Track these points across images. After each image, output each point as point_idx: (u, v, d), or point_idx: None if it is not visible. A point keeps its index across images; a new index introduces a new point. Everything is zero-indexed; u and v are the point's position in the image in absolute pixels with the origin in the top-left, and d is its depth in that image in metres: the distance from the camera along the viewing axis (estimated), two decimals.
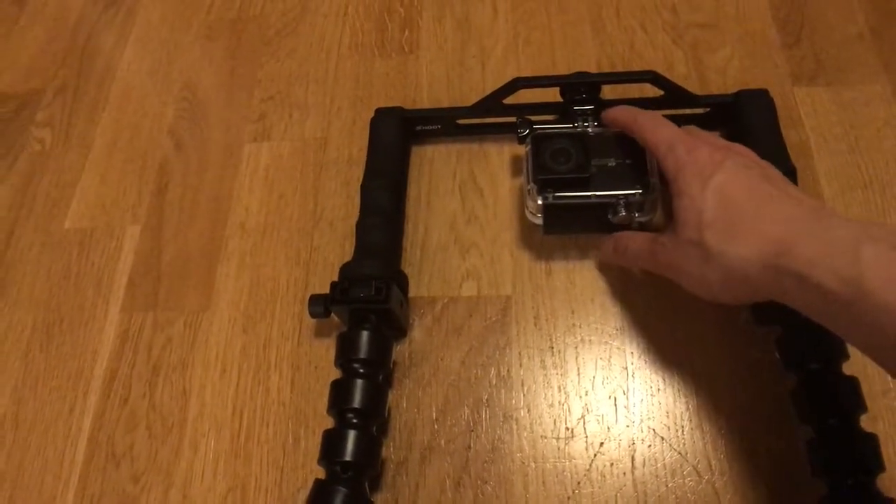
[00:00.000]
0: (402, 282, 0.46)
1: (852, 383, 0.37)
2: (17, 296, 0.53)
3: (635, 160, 0.43)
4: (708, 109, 0.49)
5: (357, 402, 0.40)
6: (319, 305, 0.43)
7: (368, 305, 0.42)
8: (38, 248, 0.55)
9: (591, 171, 0.43)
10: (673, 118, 0.50)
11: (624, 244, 0.43)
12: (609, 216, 0.43)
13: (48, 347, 0.51)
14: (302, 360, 0.47)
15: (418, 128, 0.52)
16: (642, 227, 0.45)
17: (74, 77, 0.64)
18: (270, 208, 0.53)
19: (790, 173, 0.44)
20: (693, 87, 0.52)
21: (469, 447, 0.43)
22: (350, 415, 0.40)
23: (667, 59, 0.55)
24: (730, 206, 0.34)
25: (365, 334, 0.41)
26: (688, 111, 0.50)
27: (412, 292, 0.48)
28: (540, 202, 0.43)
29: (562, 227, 0.46)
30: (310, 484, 0.39)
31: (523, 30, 0.59)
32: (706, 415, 0.42)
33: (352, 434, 0.39)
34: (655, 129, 0.40)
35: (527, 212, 0.45)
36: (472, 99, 0.51)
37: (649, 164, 0.43)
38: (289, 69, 0.60)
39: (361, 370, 0.41)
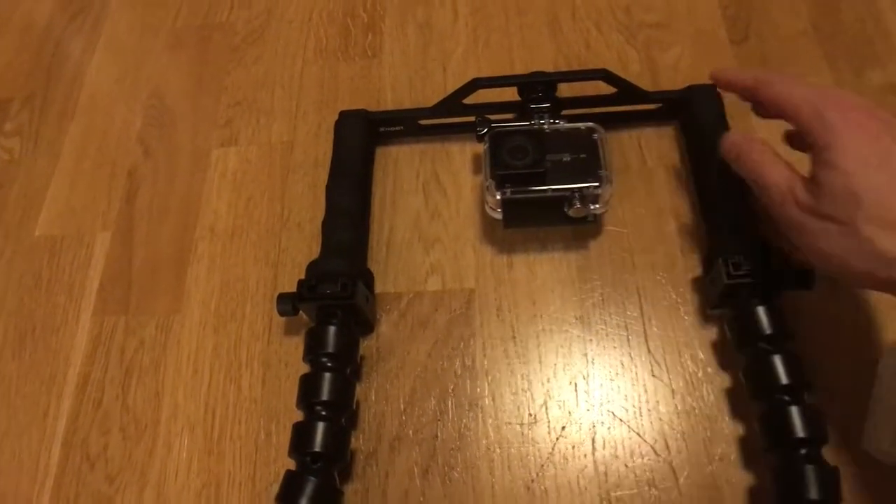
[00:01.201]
0: (368, 278, 0.47)
1: (797, 361, 0.39)
2: None
3: (589, 154, 0.45)
4: (660, 105, 0.52)
5: (325, 394, 0.41)
6: (287, 304, 0.44)
7: (335, 301, 0.43)
8: (8, 255, 0.55)
9: (547, 166, 0.45)
10: (626, 115, 0.52)
11: (759, 171, 0.38)
12: (565, 209, 0.45)
13: (21, 354, 0.51)
14: (272, 358, 0.48)
15: (382, 129, 0.54)
16: (597, 220, 0.46)
17: (43, 87, 0.64)
18: (239, 211, 0.54)
19: None
20: (646, 83, 0.54)
21: (436, 436, 0.44)
22: (319, 407, 0.41)
23: (621, 57, 0.57)
24: (891, 192, 0.32)
25: (332, 329, 0.42)
26: (640, 107, 0.52)
27: (379, 288, 0.49)
28: (498, 197, 0.45)
29: (521, 221, 0.48)
30: (282, 477, 0.40)
31: (483, 32, 0.60)
32: (662, 396, 0.43)
33: (321, 426, 0.40)
34: (791, 89, 0.36)
35: (487, 207, 0.47)
36: (434, 100, 0.53)
37: (602, 158, 0.45)
38: (255, 75, 0.61)
39: (329, 364, 0.42)
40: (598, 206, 0.45)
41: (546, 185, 0.44)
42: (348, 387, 0.43)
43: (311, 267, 0.45)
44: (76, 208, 0.57)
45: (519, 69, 0.57)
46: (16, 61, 0.66)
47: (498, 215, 0.46)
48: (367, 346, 0.47)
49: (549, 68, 0.56)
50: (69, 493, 0.46)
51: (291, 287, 0.47)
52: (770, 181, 0.37)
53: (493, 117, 0.49)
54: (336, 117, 0.53)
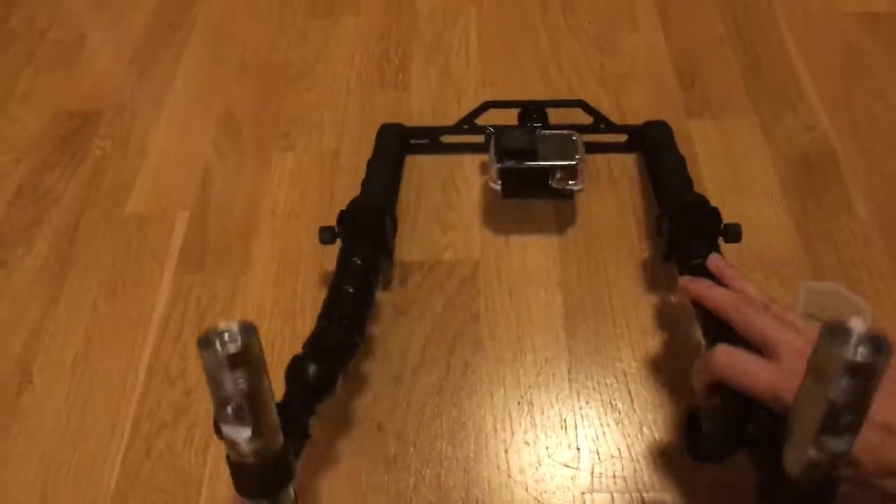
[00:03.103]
0: (393, 218, 0.61)
1: None
2: (86, 263, 0.66)
3: (569, 147, 0.60)
4: (626, 138, 0.67)
5: (353, 281, 0.52)
6: (327, 233, 0.57)
7: (367, 225, 0.56)
8: (103, 227, 0.69)
9: (537, 148, 0.59)
10: (600, 144, 0.67)
11: None
12: (550, 181, 0.59)
13: (113, 301, 0.64)
14: (321, 303, 0.61)
15: (412, 141, 0.69)
16: (574, 197, 0.60)
17: (131, 101, 0.79)
18: (294, 200, 0.68)
19: (681, 160, 0.61)
20: (614, 119, 0.70)
21: (449, 365, 0.57)
22: (346, 286, 0.52)
23: (595, 99, 0.73)
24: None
25: (363, 242, 0.55)
26: (610, 138, 0.68)
27: (406, 258, 0.63)
28: (498, 166, 0.59)
29: (515, 192, 0.61)
30: None
31: (489, 77, 0.77)
32: (624, 336, 0.57)
33: (348, 297, 0.51)
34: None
35: (490, 183, 0.60)
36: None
37: (578, 149, 0.59)
38: (308, 100, 0.77)
39: (359, 263, 0.54)
40: (575, 181, 0.59)
41: (536, 161, 0.59)
42: (370, 282, 0.54)
43: (351, 203, 0.59)
44: (160, 194, 0.71)
45: None
46: (107, 80, 0.82)
47: (497, 186, 0.60)
48: (394, 299, 0.61)
49: None
50: (152, 403, 0.58)
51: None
52: None
53: None
54: (374, 133, 0.69)
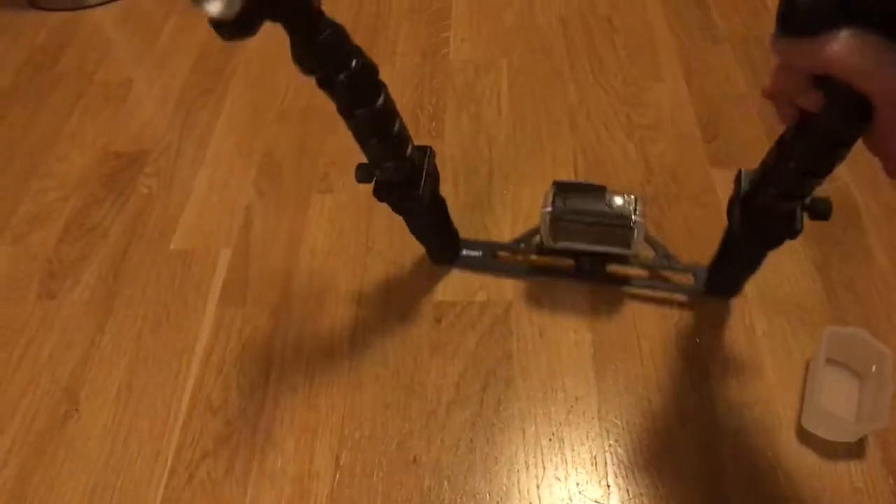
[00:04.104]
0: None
1: None
2: (131, 296, 0.69)
3: None
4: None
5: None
6: (365, 171, 0.58)
7: None
8: (148, 262, 0.72)
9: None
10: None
11: None
12: (605, 199, 0.57)
13: (157, 332, 0.66)
14: (358, 340, 0.63)
15: (464, 252, 0.68)
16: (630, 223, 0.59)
17: (176, 142, 0.83)
18: (333, 239, 0.71)
19: None
20: (640, 169, 0.73)
21: (482, 401, 0.59)
22: None
23: (622, 149, 0.76)
24: None
25: None
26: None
27: (440, 297, 0.65)
28: (555, 182, 0.59)
29: (571, 209, 0.57)
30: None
31: (519, 125, 0.80)
32: (651, 362, 0.59)
33: None
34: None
35: (544, 209, 0.58)
36: (481, 170, 0.72)
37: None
38: (346, 144, 0.79)
39: None
40: (632, 205, 0.57)
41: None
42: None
43: None
44: (203, 231, 0.74)
45: (546, 152, 0.77)
46: (154, 123, 0.86)
47: (549, 208, 0.58)
48: (429, 337, 0.63)
49: (570, 155, 0.76)
50: (195, 432, 0.60)
51: (376, 300, 0.64)
52: None
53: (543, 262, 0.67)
54: None
